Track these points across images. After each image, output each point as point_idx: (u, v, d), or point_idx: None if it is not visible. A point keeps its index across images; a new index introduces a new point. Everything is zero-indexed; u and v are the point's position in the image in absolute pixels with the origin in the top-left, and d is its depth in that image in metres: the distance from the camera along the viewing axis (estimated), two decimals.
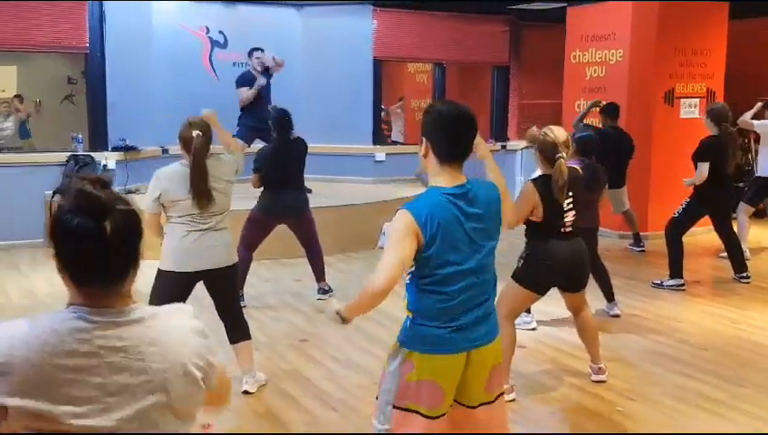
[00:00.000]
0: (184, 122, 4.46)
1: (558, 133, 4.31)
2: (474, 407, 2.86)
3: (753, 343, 5.53)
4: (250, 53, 9.12)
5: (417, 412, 2.78)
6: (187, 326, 1.75)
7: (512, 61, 11.88)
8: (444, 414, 2.80)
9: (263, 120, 8.31)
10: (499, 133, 11.59)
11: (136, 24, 9.38)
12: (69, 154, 8.77)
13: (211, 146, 4.51)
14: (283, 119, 6.56)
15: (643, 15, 9.18)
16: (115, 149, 9.09)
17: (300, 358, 5.29)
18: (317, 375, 4.93)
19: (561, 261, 4.34)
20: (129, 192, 9.05)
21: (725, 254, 7.84)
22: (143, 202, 4.33)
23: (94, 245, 1.60)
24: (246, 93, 8.87)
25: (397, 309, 6.25)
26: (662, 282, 6.99)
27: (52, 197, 8.57)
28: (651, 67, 9.19)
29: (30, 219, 8.59)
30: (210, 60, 10.22)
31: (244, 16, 10.25)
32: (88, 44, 8.85)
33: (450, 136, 2.78)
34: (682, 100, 9.40)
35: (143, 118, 9.44)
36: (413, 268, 2.77)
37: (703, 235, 8.27)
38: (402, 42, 10.82)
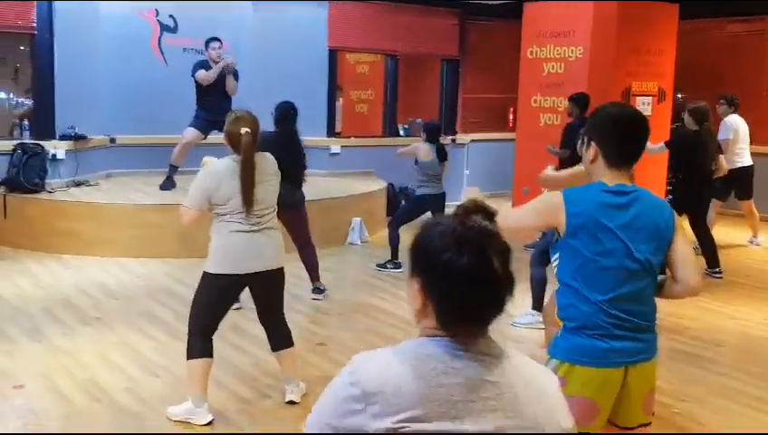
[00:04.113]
0: (230, 116, 4.15)
1: None
2: (632, 428, 2.75)
3: (765, 338, 5.72)
4: (206, 44, 8.66)
5: None
6: (550, 381, 1.56)
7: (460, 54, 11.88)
8: None
9: (220, 112, 7.92)
10: (448, 126, 11.55)
11: (82, 4, 8.74)
12: (16, 143, 8.10)
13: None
14: (288, 111, 6.31)
15: (603, 14, 9.35)
16: (63, 137, 8.46)
17: (327, 363, 5.08)
18: None
19: None
20: (79, 184, 8.49)
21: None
22: (188, 196, 4.01)
23: (484, 287, 1.43)
24: (206, 74, 8.30)
25: (409, 313, 6.13)
26: None
27: None
28: (611, 65, 9.38)
29: None
30: (159, 45, 9.67)
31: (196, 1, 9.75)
32: (35, 25, 8.17)
33: (622, 140, 2.66)
34: (637, 98, 9.66)
35: (90, 105, 8.85)
36: (563, 268, 2.65)
37: None
38: (357, 32, 10.60)
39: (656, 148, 7.63)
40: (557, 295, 2.76)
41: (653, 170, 7.82)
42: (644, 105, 9.71)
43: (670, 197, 7.19)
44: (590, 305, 2.60)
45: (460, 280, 1.42)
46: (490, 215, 1.49)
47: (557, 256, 2.73)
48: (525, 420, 1.45)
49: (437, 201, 7.53)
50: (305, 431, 1.49)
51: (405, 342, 1.50)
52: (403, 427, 1.38)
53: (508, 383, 1.46)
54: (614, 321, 2.61)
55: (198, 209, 4.03)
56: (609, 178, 2.65)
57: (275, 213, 4.28)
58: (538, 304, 5.74)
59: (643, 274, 2.64)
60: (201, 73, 8.29)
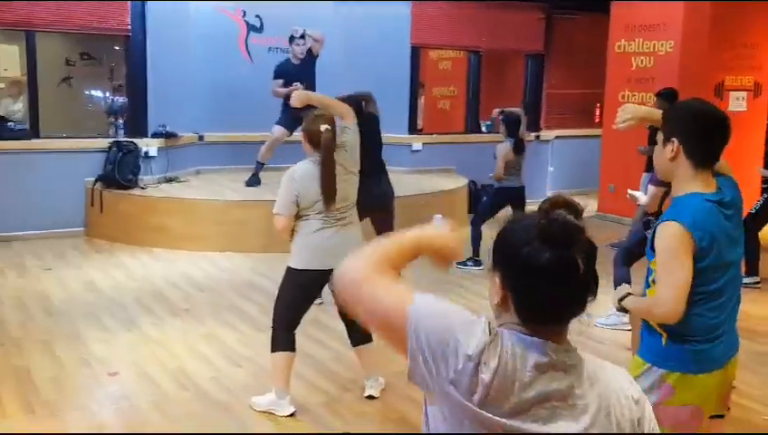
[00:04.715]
0: (308, 116, 4.24)
1: None
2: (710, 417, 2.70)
3: None
4: (291, 40, 8.80)
5: None
6: (626, 389, 1.52)
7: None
8: None
9: (305, 107, 8.03)
10: (532, 123, 11.41)
11: (174, 5, 9.01)
12: (111, 141, 8.44)
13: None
14: (359, 104, 6.29)
15: (695, 7, 9.08)
16: (155, 135, 8.76)
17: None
18: None
19: None
20: (169, 180, 8.78)
21: None
22: (277, 205, 4.11)
23: (565, 285, 1.41)
24: (279, 90, 8.53)
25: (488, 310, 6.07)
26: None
27: (94, 184, 8.27)
28: (703, 59, 9.11)
29: (70, 207, 8.28)
30: (246, 44, 9.90)
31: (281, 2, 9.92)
32: (129, 26, 8.49)
33: (707, 137, 2.58)
34: (731, 93, 9.35)
35: (179, 103, 9.12)
36: None
37: None
38: (440, 29, 10.59)
39: None
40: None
41: (746, 169, 7.52)
42: (738, 100, 9.41)
43: (766, 196, 6.92)
44: (700, 316, 2.56)
45: (540, 275, 1.40)
46: (576, 210, 1.45)
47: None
48: (591, 428, 1.43)
49: (517, 194, 7.47)
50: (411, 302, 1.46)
51: (505, 334, 1.46)
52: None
53: (579, 394, 1.44)
54: (719, 329, 2.59)
55: (289, 215, 4.12)
56: (697, 181, 2.56)
57: (355, 208, 4.33)
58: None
59: (737, 277, 2.66)
60: (273, 89, 8.54)
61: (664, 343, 2.61)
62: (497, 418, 1.39)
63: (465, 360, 1.40)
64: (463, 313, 1.46)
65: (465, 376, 1.39)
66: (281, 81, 8.65)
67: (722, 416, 2.74)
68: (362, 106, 6.35)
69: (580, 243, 1.41)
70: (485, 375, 1.39)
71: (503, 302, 1.47)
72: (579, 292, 1.43)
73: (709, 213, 2.52)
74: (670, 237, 2.48)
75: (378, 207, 6.10)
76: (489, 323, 1.45)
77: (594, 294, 1.45)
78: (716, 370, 2.59)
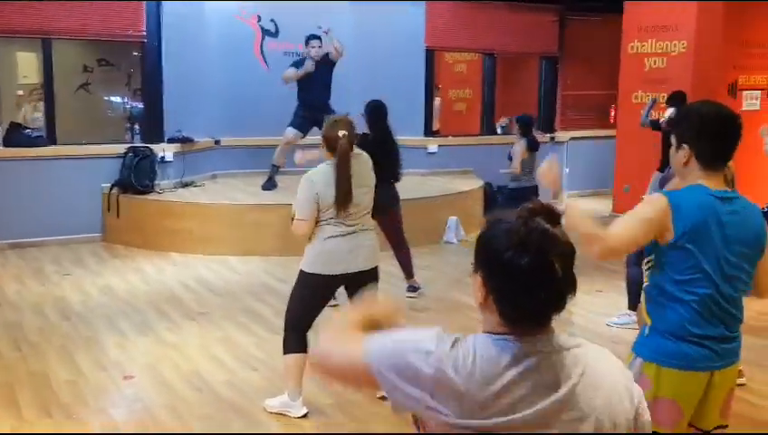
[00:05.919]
0: (328, 121, 4.29)
1: None
2: (709, 431, 2.71)
3: None
4: (307, 41, 8.83)
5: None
6: (619, 378, 1.59)
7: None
8: None
9: (318, 108, 8.09)
10: (547, 124, 11.42)
11: (189, 11, 9.11)
12: (127, 146, 8.54)
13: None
14: (380, 110, 6.39)
15: (708, 7, 9.06)
16: (171, 140, 8.85)
17: None
18: None
19: None
20: (186, 185, 8.86)
21: None
22: (298, 209, 4.15)
23: (543, 288, 1.47)
24: (290, 72, 8.55)
25: None
26: None
27: (111, 189, 8.37)
28: (716, 59, 9.09)
29: (87, 213, 8.39)
30: (261, 49, 9.97)
31: (296, 5, 9.99)
32: (145, 33, 8.59)
33: (715, 139, 2.61)
34: (744, 92, 9.31)
35: (195, 108, 9.21)
36: (658, 270, 2.63)
37: None
38: (455, 31, 10.62)
39: None
40: (649, 294, 2.72)
41: (760, 168, 7.51)
42: (752, 100, 9.38)
43: None
44: (684, 311, 2.58)
45: (519, 279, 1.47)
46: (555, 217, 1.51)
47: (651, 257, 2.70)
48: (580, 412, 1.49)
49: (531, 194, 7.49)
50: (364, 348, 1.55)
51: (471, 340, 1.52)
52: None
53: (566, 376, 1.50)
54: (704, 329, 2.59)
55: (311, 218, 4.16)
56: (706, 181, 2.60)
57: (369, 214, 4.36)
58: (635, 305, 5.63)
59: (737, 282, 2.63)
60: (287, 72, 8.54)
61: (647, 332, 2.67)
62: (485, 421, 1.45)
63: (427, 380, 1.46)
64: (413, 335, 1.53)
65: (435, 394, 1.46)
66: (293, 68, 8.65)
67: (724, 426, 2.74)
68: (386, 115, 6.45)
69: (558, 249, 1.47)
70: (455, 385, 1.44)
71: (485, 301, 1.54)
72: (557, 295, 1.49)
73: (703, 202, 2.55)
74: (650, 204, 2.60)
75: (381, 211, 6.16)
76: (443, 334, 1.51)
77: (573, 292, 1.51)
78: (695, 371, 2.59)
